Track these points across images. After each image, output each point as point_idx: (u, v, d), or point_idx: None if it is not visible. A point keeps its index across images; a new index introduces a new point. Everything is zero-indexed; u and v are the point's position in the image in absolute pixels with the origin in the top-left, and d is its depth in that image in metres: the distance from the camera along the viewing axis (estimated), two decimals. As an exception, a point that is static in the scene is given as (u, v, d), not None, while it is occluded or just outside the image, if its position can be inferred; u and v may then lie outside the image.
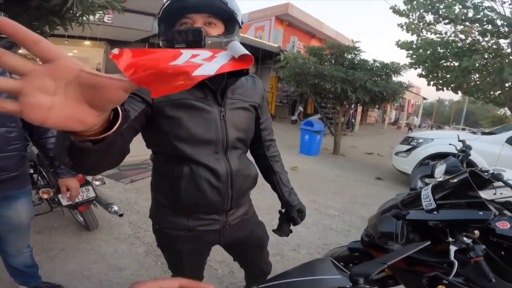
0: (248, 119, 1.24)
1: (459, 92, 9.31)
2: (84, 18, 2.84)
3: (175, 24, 1.05)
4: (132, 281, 2.44)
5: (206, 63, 0.45)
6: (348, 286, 0.76)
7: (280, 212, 1.52)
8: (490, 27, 6.99)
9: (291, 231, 1.53)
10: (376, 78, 8.08)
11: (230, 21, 1.08)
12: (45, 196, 2.54)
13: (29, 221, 1.77)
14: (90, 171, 0.78)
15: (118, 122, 0.52)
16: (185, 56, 0.45)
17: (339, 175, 6.70)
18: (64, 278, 2.37)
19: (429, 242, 0.99)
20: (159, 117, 1.06)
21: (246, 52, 0.51)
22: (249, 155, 1.38)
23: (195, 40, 0.96)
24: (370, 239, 1.68)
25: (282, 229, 1.51)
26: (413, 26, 8.15)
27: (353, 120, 16.61)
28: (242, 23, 1.13)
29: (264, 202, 4.02)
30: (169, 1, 1.02)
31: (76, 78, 0.39)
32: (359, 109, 16.41)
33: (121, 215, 2.72)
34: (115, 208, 2.70)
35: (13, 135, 1.54)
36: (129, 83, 0.41)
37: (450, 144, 3.45)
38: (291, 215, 1.44)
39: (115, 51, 0.44)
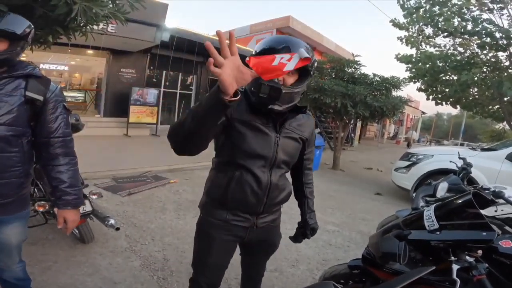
0: (295, 148, 1.52)
1: (458, 106, 9.34)
2: (88, 28, 2.84)
3: None
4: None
5: (288, 63, 0.95)
6: None
7: (298, 224, 1.82)
8: (488, 39, 7.04)
9: (302, 240, 1.84)
10: (376, 93, 8.10)
11: (304, 71, 1.34)
12: (41, 209, 2.50)
13: (21, 243, 1.69)
14: (192, 147, 1.16)
15: (238, 97, 0.96)
16: (277, 59, 0.94)
17: (338, 190, 6.67)
18: (57, 292, 2.31)
19: (434, 267, 0.97)
20: (231, 130, 1.36)
21: (308, 55, 1.02)
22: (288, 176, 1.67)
23: (275, 97, 1.26)
24: (371, 257, 1.65)
25: (297, 239, 1.83)
26: (412, 39, 8.22)
27: (353, 135, 16.61)
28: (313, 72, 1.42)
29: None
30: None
31: (238, 67, 0.89)
32: (359, 123, 16.41)
33: (117, 229, 2.67)
34: (112, 221, 2.65)
35: (14, 160, 1.45)
36: (254, 73, 0.94)
37: (450, 162, 3.44)
38: (305, 230, 1.76)
39: (247, 59, 1.02)
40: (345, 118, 8.67)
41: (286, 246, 3.48)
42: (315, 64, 1.40)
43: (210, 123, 1.06)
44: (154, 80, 12.91)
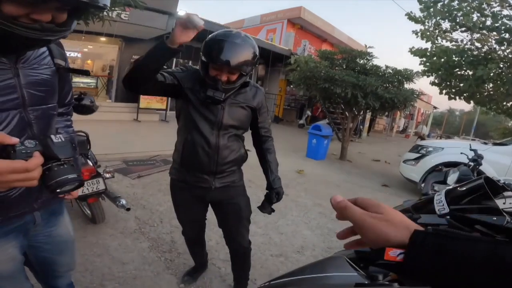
0: (243, 114, 1.75)
1: (471, 102, 9.19)
2: (105, 14, 2.84)
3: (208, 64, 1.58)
4: (135, 276, 2.44)
5: None
6: (366, 282, 0.75)
7: (266, 192, 1.94)
8: (507, 35, 6.90)
9: (273, 210, 1.98)
10: (387, 85, 7.99)
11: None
12: None
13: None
14: (141, 86, 1.50)
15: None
16: None
17: (345, 181, 6.66)
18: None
19: None
20: (184, 98, 1.67)
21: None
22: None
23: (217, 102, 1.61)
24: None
25: (264, 207, 1.95)
26: (428, 33, 8.06)
27: (361, 127, 16.50)
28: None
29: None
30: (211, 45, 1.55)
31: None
32: (368, 115, 16.28)
33: (128, 209, 2.72)
34: (123, 202, 2.70)
35: None
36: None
37: (461, 153, 3.41)
38: (270, 195, 1.90)
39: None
40: (354, 109, 8.60)
41: (292, 233, 3.52)
42: (256, 59, 1.61)
43: (154, 64, 1.43)
44: (164, 67, 12.92)
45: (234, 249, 2.12)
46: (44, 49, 1.07)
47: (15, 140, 0.74)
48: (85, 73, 1.19)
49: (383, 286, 0.72)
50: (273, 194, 1.89)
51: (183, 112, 1.72)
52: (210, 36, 1.57)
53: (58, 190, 0.79)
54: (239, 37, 1.52)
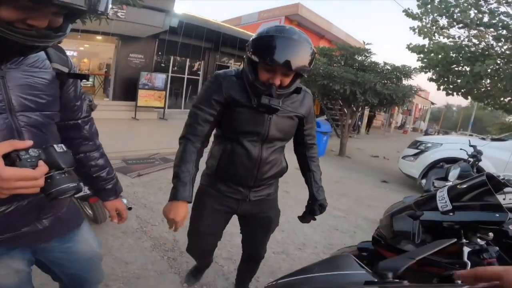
0: (290, 125, 1.57)
1: (469, 97, 9.24)
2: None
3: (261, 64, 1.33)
4: (138, 275, 2.45)
5: None
6: (376, 280, 0.76)
7: (307, 203, 1.78)
8: (505, 32, 6.95)
9: (314, 219, 1.80)
10: (386, 81, 8.02)
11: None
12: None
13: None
14: None
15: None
16: None
17: (344, 177, 6.69)
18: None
19: (455, 239, 0.98)
20: (226, 109, 1.47)
21: None
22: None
23: (271, 111, 1.42)
24: (381, 239, 1.67)
25: (305, 218, 1.80)
26: (425, 29, 8.10)
27: (360, 123, 16.54)
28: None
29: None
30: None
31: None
32: (366, 112, 16.31)
33: (129, 208, 2.70)
34: (124, 201, 2.69)
35: None
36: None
37: (461, 149, 3.43)
38: (313, 207, 1.71)
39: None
40: (353, 105, 8.63)
41: (294, 230, 3.53)
42: (314, 57, 1.40)
43: None
44: (162, 65, 12.93)
45: (250, 255, 2.01)
46: (41, 52, 0.99)
47: (29, 143, 0.74)
48: (84, 77, 1.14)
49: (392, 283, 0.73)
50: (317, 206, 1.71)
51: (226, 120, 1.50)
52: (259, 32, 1.37)
53: (59, 198, 0.79)
54: (295, 32, 1.30)
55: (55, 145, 0.79)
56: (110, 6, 0.86)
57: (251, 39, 1.37)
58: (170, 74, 12.36)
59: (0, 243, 0.99)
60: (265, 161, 1.53)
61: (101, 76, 13.65)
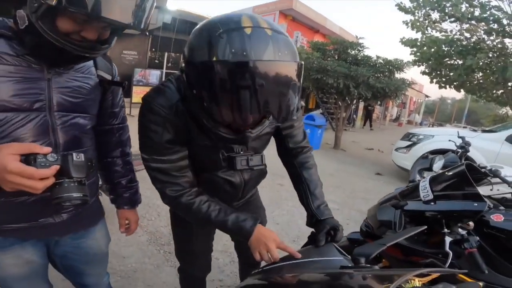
0: (267, 140, 1.24)
1: (462, 90, 9.33)
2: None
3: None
4: (135, 269, 2.50)
5: None
6: (350, 265, 0.81)
7: (311, 234, 1.21)
8: (496, 26, 7.01)
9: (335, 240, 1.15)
10: (379, 75, 8.10)
11: None
12: None
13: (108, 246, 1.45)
14: None
15: None
16: None
17: (339, 170, 6.75)
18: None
19: (425, 227, 1.03)
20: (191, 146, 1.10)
21: None
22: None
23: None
24: (369, 229, 1.72)
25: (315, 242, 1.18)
26: (418, 23, 8.13)
27: (354, 116, 16.62)
28: None
29: (265, 195, 4.02)
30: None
31: None
32: (361, 105, 16.41)
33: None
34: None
35: (93, 155, 1.19)
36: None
37: (449, 141, 3.48)
38: (321, 231, 1.12)
39: None
40: (347, 98, 8.71)
41: (288, 223, 3.60)
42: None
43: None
44: (156, 61, 12.92)
45: (251, 263, 1.65)
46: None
47: (47, 149, 0.79)
48: (121, 85, 1.20)
49: (364, 268, 0.79)
50: (325, 229, 1.13)
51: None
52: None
53: (63, 204, 0.83)
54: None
55: (74, 154, 0.83)
56: (148, 23, 0.97)
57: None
58: (164, 70, 12.35)
59: (12, 233, 1.02)
60: (249, 181, 1.27)
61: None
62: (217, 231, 1.40)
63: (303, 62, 0.89)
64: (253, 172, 1.25)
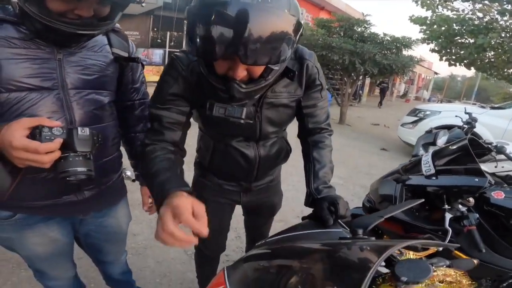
0: (286, 114, 1.18)
1: (472, 68, 9.22)
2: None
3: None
4: (146, 246, 2.57)
5: None
6: (348, 236, 0.84)
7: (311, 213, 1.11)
8: (510, 7, 6.89)
9: (344, 216, 1.01)
10: (386, 52, 7.98)
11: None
12: None
13: (128, 225, 1.48)
14: None
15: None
16: None
17: (344, 145, 6.73)
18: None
19: (423, 200, 1.05)
20: (202, 111, 1.08)
21: None
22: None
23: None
24: (372, 204, 1.73)
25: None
26: (428, 1, 7.98)
27: (361, 92, 16.48)
28: None
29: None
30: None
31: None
32: (367, 81, 16.23)
33: (134, 180, 2.79)
34: (128, 173, 2.71)
35: (113, 130, 1.19)
36: None
37: (456, 116, 3.44)
38: (323, 218, 0.99)
39: None
40: (353, 74, 8.63)
41: (292, 198, 3.65)
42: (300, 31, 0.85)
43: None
44: (158, 41, 12.79)
45: (254, 238, 1.76)
46: (101, 37, 1.08)
47: (56, 123, 0.80)
48: (135, 60, 1.20)
49: (361, 239, 0.81)
50: (325, 207, 1.01)
51: (203, 122, 1.21)
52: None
53: (68, 179, 0.84)
54: None
55: (79, 128, 0.84)
56: None
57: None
58: (167, 49, 12.25)
59: (37, 211, 1.05)
60: (265, 158, 1.25)
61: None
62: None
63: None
64: (270, 149, 1.26)
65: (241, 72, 0.83)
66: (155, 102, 1.07)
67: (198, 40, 0.78)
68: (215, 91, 0.92)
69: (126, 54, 1.17)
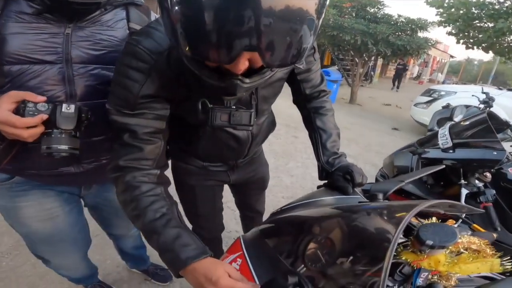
0: (279, 86, 1.05)
1: (490, 52, 9.02)
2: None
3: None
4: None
5: None
6: (367, 201, 0.82)
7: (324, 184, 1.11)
8: None
9: (361, 184, 0.98)
10: (400, 33, 7.84)
11: None
12: None
13: None
14: None
15: None
16: None
17: (354, 123, 6.66)
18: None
19: (444, 166, 1.02)
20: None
21: None
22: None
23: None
24: (385, 179, 1.72)
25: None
26: (446, -15, 7.78)
27: (372, 73, 16.23)
28: None
29: (280, 147, 4.07)
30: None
31: None
32: (379, 62, 15.94)
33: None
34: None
35: None
36: None
37: (473, 96, 3.37)
38: (338, 184, 0.99)
39: None
40: (364, 55, 8.48)
41: (302, 175, 3.65)
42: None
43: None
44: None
45: (252, 216, 1.69)
46: (119, 11, 1.03)
47: (40, 98, 0.82)
48: None
49: (378, 201, 0.80)
50: (340, 178, 1.00)
51: (182, 109, 0.94)
52: None
53: (53, 155, 0.84)
54: None
55: (64, 105, 0.83)
56: None
57: None
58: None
59: (33, 176, 1.06)
60: (257, 134, 1.14)
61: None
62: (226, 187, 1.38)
63: None
64: (262, 125, 1.14)
65: (243, 65, 0.62)
66: (121, 107, 0.81)
67: (204, 37, 0.55)
68: (205, 87, 0.73)
69: None
